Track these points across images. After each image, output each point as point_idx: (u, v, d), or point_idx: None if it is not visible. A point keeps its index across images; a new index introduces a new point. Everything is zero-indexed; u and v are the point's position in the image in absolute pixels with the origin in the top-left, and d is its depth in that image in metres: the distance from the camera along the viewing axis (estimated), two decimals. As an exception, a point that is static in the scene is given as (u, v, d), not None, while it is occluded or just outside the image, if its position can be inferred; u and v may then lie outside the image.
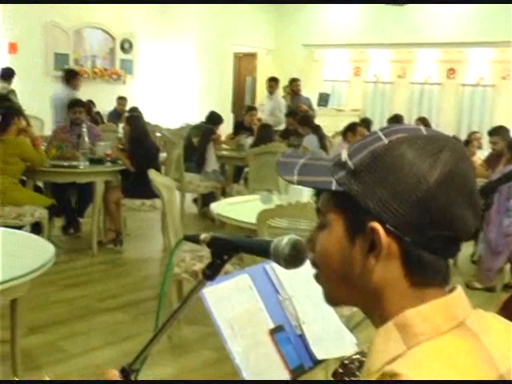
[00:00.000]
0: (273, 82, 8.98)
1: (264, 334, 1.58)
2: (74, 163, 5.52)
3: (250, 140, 7.07)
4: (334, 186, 0.86)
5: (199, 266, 3.58)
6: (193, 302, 1.26)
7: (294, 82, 9.29)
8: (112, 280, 5.02)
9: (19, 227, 4.95)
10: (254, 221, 3.31)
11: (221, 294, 1.56)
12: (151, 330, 4.01)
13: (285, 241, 1.08)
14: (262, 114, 8.79)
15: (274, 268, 1.73)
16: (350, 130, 6.73)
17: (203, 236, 1.18)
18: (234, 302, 1.55)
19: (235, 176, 7.18)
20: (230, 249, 1.17)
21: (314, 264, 0.92)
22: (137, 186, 5.68)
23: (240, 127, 7.60)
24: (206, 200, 7.39)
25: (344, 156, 0.87)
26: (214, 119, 7.36)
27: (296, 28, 13.56)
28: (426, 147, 0.83)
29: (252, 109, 7.68)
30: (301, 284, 1.74)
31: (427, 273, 0.84)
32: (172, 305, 3.74)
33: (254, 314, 1.59)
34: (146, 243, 6.29)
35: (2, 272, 2.47)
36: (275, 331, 1.62)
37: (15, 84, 9.97)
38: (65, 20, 11.53)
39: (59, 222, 6.17)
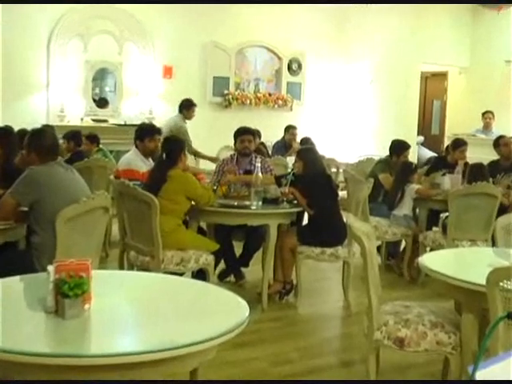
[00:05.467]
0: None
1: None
2: (246, 203, 5.65)
3: (447, 179, 6.87)
4: None
5: (405, 333, 3.48)
6: None
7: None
8: (287, 341, 5.02)
9: (181, 274, 5.14)
10: (477, 280, 3.20)
11: (493, 378, 1.48)
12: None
13: None
14: None
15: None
16: None
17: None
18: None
19: (429, 222, 6.99)
20: None
21: None
22: (315, 230, 5.70)
23: (439, 163, 7.42)
24: (391, 249, 7.28)
25: None
26: (397, 148, 7.28)
27: (496, 41, 13.13)
28: None
29: (462, 144, 7.45)
30: None
31: None
32: (369, 377, 3.66)
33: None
34: (324, 298, 6.28)
35: (188, 333, 2.53)
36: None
37: (168, 110, 10.55)
38: (226, 39, 12.00)
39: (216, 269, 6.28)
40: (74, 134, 7.88)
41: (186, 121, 9.48)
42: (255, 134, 6.77)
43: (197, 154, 9.68)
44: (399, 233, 6.79)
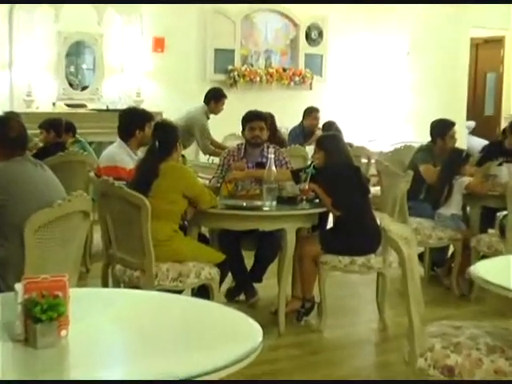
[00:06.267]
0: None
1: None
2: (257, 203, 5.65)
3: (505, 169, 6.85)
4: None
5: (456, 359, 3.46)
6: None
7: None
8: (309, 372, 5.03)
9: (178, 292, 5.15)
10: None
11: None
12: None
13: None
14: None
15: None
16: None
17: None
18: None
19: (483, 222, 6.97)
20: None
21: None
22: (342, 235, 5.71)
23: (495, 150, 7.41)
24: (436, 257, 7.26)
25: None
26: (439, 128, 7.31)
27: None
28: None
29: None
30: None
31: None
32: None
33: None
34: (354, 318, 6.32)
35: (189, 363, 2.53)
36: None
37: (160, 91, 10.59)
38: (229, 3, 11.95)
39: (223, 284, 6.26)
40: (52, 123, 7.92)
41: (211, 115, 9.46)
42: (268, 119, 6.74)
43: (214, 155, 9.63)
44: (446, 237, 6.78)
